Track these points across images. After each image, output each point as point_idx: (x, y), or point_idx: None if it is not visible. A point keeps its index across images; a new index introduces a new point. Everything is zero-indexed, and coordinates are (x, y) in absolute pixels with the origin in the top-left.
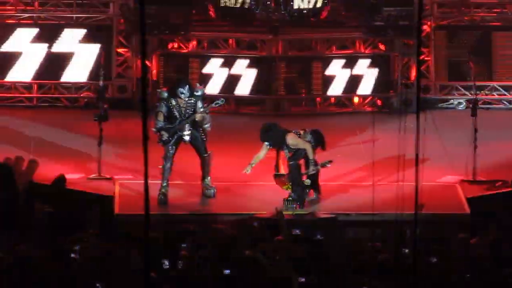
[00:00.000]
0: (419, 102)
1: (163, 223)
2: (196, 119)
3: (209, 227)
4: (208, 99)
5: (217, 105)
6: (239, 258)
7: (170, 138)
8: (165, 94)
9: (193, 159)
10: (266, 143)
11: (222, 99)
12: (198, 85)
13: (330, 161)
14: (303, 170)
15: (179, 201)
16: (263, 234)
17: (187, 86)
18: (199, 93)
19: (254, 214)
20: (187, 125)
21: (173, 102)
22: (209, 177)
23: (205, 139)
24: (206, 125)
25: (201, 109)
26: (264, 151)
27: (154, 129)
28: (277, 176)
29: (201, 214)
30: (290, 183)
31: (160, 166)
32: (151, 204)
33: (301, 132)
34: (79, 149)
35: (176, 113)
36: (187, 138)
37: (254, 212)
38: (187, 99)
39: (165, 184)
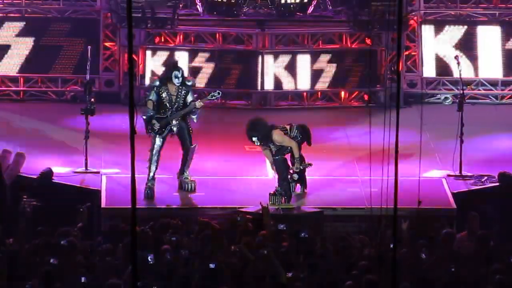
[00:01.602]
0: (399, 96)
1: (149, 217)
2: (197, 107)
3: (195, 221)
4: (195, 93)
5: (213, 98)
6: (224, 252)
7: (163, 129)
8: (157, 83)
9: (179, 154)
10: (254, 138)
11: (218, 91)
12: (187, 76)
13: (310, 164)
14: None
15: (166, 195)
16: (248, 228)
17: (181, 70)
18: (190, 83)
19: (239, 208)
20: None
21: (164, 91)
22: (187, 171)
23: (191, 130)
24: (194, 116)
25: (199, 101)
26: (262, 149)
27: (144, 117)
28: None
29: (187, 208)
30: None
31: (147, 160)
32: (138, 198)
33: (288, 127)
34: (66, 142)
35: (167, 103)
36: (175, 129)
37: (240, 206)
38: (178, 87)
39: (151, 178)
